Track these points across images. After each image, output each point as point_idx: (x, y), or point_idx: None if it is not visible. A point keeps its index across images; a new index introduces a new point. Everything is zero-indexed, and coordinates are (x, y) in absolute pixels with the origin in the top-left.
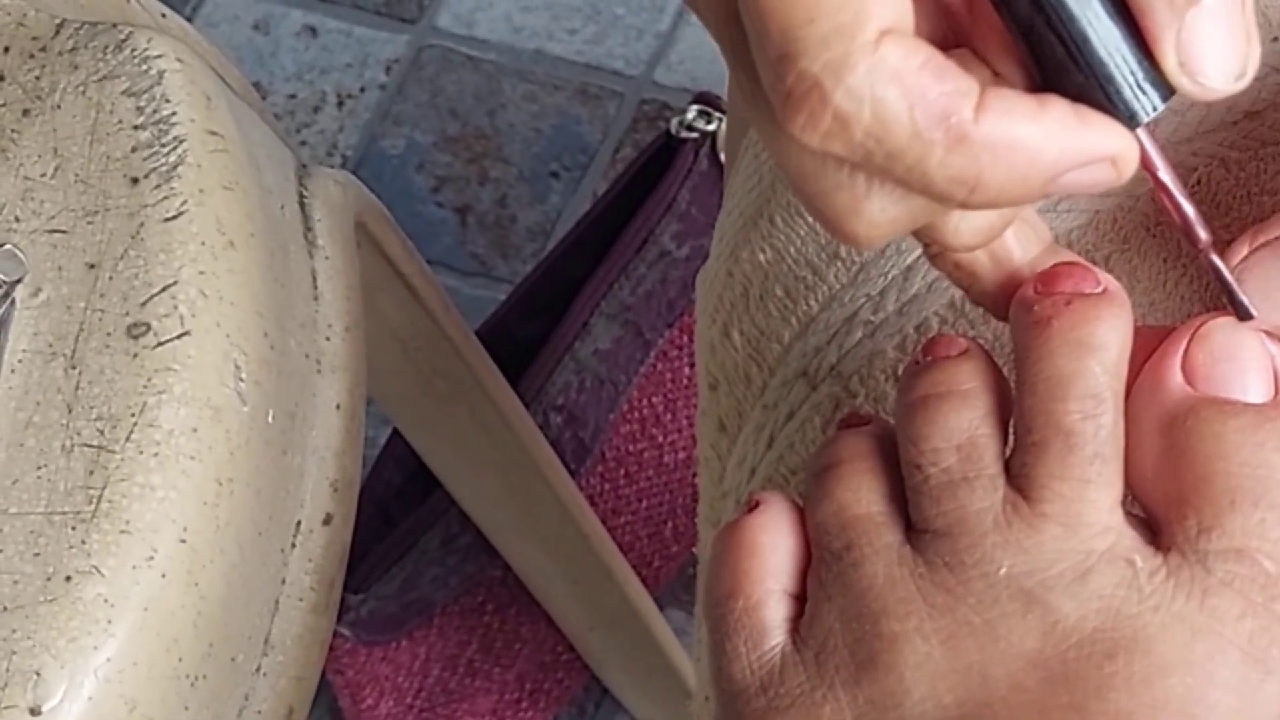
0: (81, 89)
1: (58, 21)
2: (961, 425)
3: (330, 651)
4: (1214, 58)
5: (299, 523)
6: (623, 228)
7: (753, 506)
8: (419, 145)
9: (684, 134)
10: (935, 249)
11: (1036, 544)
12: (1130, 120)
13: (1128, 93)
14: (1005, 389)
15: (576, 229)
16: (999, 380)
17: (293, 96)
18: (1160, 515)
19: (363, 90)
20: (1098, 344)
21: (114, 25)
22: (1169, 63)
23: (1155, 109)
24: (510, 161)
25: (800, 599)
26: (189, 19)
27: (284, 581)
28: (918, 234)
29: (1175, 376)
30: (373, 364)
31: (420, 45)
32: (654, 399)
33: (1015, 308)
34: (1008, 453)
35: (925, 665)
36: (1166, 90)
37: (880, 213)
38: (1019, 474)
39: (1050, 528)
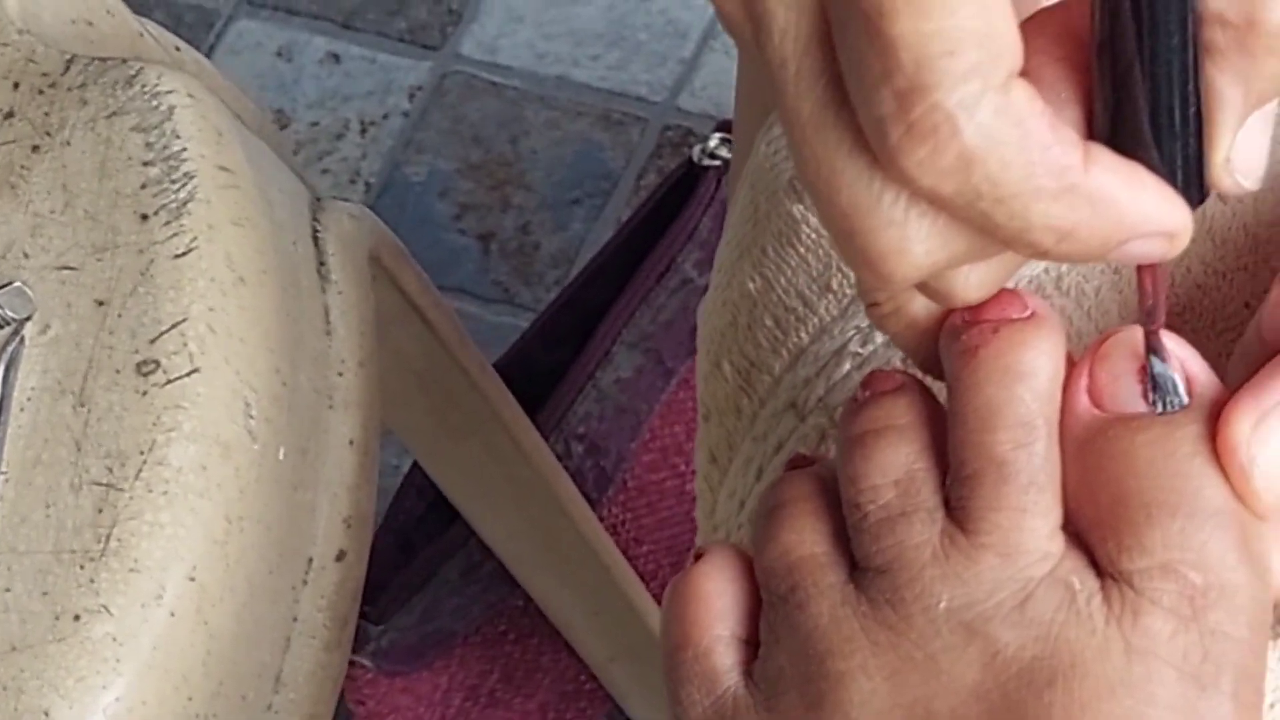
0: (91, 125)
1: (67, 58)
2: (898, 461)
3: (351, 682)
4: (1256, 159)
5: (311, 559)
6: (645, 256)
7: (699, 556)
8: (442, 172)
9: (706, 162)
10: (889, 308)
11: (975, 575)
12: (1195, 201)
13: (1197, 174)
14: (943, 422)
15: (598, 257)
16: (936, 413)
17: (315, 124)
18: (1089, 540)
19: (386, 117)
20: (1026, 371)
21: (124, 61)
22: (1219, 156)
23: (1209, 193)
24: (533, 188)
25: (753, 643)
26: (212, 46)
27: (296, 619)
28: (921, 285)
29: (1081, 400)
30: (389, 396)
31: (443, 72)
32: (676, 428)
33: (944, 338)
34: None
35: (870, 703)
36: (1207, 177)
37: (925, 255)
38: (956, 506)
39: (988, 558)
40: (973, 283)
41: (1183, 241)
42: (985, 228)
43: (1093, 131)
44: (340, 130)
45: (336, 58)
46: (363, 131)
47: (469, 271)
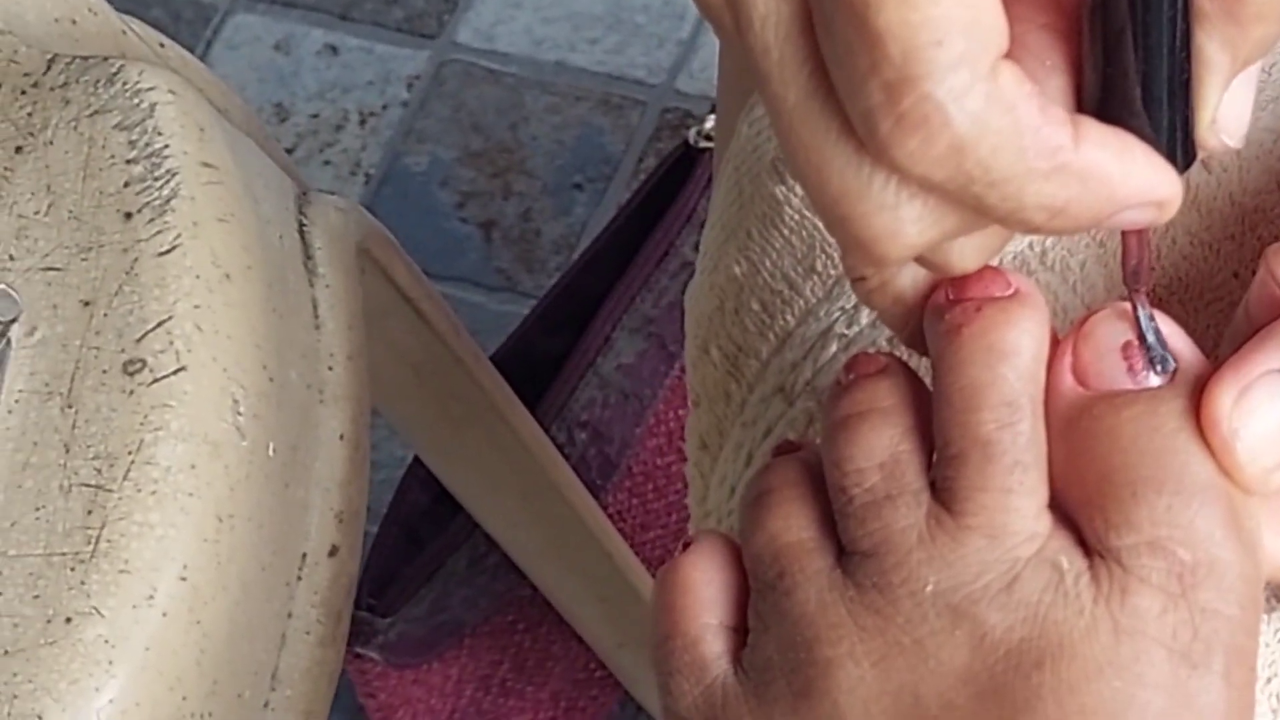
0: (74, 124)
1: (49, 57)
2: (882, 443)
3: (361, 675)
4: (1240, 120)
5: (304, 555)
6: (643, 240)
7: (687, 545)
8: (442, 161)
9: (702, 144)
10: (875, 283)
11: (961, 557)
12: (1184, 166)
13: (1185, 139)
14: (928, 403)
15: (597, 242)
16: (920, 395)
17: (315, 116)
18: (1076, 519)
19: (385, 108)
20: (1010, 349)
21: (105, 59)
22: (1205, 118)
23: (1197, 157)
24: (534, 175)
25: (742, 631)
26: (210, 41)
27: (290, 615)
28: (919, 257)
29: (1066, 379)
30: (386, 389)
31: (441, 60)
32: (680, 411)
33: (928, 317)
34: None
35: (858, 689)
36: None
37: (918, 235)
38: (942, 488)
39: (974, 540)
40: (968, 252)
41: (1173, 208)
42: (978, 209)
43: (1081, 98)
44: (340, 122)
45: (334, 49)
46: (362, 123)
47: (472, 260)
